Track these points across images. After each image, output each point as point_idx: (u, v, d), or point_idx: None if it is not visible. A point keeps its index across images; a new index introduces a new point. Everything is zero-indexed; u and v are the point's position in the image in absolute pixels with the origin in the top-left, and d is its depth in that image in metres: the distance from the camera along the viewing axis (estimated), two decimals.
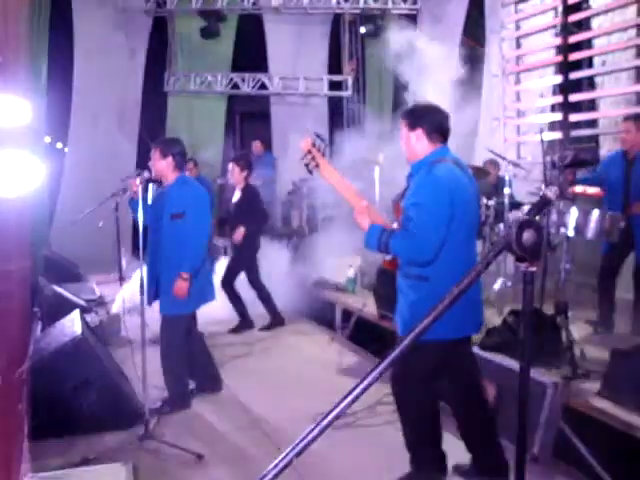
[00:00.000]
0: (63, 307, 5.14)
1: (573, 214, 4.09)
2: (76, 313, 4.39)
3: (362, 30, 10.43)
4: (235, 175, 5.92)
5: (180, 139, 4.22)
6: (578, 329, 4.26)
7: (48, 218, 9.03)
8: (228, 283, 5.81)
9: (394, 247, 2.77)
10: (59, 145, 9.96)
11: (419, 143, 2.91)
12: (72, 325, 4.09)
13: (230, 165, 6.02)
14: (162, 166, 3.95)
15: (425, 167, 2.87)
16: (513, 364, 3.52)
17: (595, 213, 4.10)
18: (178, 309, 3.98)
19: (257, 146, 9.86)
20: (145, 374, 3.62)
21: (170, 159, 3.95)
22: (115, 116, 9.93)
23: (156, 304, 4.05)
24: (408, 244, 2.74)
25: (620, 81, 6.39)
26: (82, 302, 5.79)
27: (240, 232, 5.81)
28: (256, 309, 6.06)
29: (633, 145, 4.59)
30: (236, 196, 5.98)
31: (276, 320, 6.07)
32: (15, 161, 2.72)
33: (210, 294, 4.17)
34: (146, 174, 3.76)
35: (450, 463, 3.09)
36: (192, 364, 4.23)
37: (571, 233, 4.10)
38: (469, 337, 3.07)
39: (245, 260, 5.98)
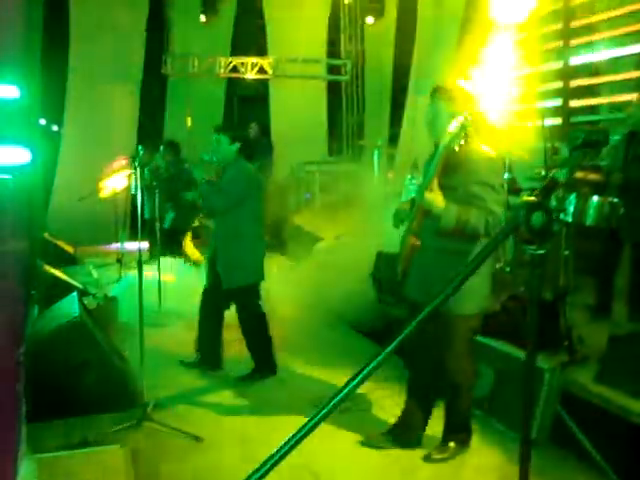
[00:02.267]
0: (61, 290, 5.12)
1: (572, 200, 4.07)
2: (74, 296, 4.37)
3: (367, 20, 10.34)
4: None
5: (242, 128, 4.51)
6: (576, 314, 4.27)
7: (44, 201, 8.98)
8: None
9: (475, 225, 2.84)
10: (55, 128, 9.87)
11: (448, 123, 2.91)
12: (70, 307, 4.08)
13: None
14: (226, 152, 4.28)
15: (466, 147, 2.91)
16: (512, 349, 3.53)
17: (594, 199, 4.08)
18: (244, 280, 4.22)
19: (253, 130, 9.79)
20: (143, 356, 3.62)
21: (234, 146, 4.28)
22: (113, 98, 9.83)
23: None
24: (488, 221, 2.84)
25: (621, 67, 6.35)
26: (80, 285, 5.78)
27: None
28: None
29: None
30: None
31: None
32: (10, 143, 2.69)
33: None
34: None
35: None
36: (204, 335, 4.47)
37: (570, 219, 4.08)
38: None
39: None
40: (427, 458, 3.20)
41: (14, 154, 2.88)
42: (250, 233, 4.27)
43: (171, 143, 7.74)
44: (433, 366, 3.16)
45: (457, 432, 3.23)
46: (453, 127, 2.84)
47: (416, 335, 3.23)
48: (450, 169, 2.91)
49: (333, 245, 6.87)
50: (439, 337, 3.02)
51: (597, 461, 3.01)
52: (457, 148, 2.87)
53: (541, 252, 1.06)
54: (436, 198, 2.85)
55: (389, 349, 0.97)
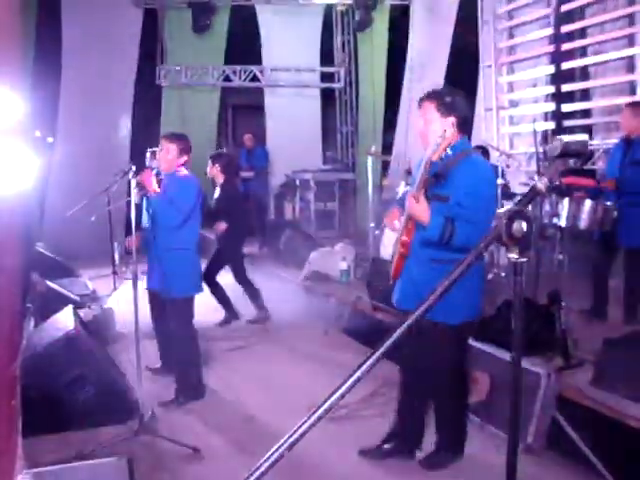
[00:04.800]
0: (56, 302, 5.11)
1: (566, 205, 4.10)
2: (69, 308, 4.37)
3: (360, 28, 10.38)
4: (213, 172, 5.94)
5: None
6: (571, 319, 4.28)
7: (39, 213, 8.96)
8: (210, 276, 5.78)
9: (460, 236, 2.75)
10: (50, 139, 9.86)
11: (447, 132, 2.80)
12: (65, 320, 4.07)
13: (209, 162, 6.02)
14: (172, 162, 4.16)
15: (461, 157, 2.87)
16: (507, 355, 3.53)
17: (587, 203, 4.12)
18: (183, 292, 4.11)
19: (249, 139, 9.84)
20: (140, 368, 3.62)
21: (182, 159, 4.20)
22: (106, 109, 9.84)
23: None
24: (471, 231, 2.73)
25: (613, 71, 6.39)
26: (75, 297, 5.76)
27: (222, 224, 5.81)
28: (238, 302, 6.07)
29: (631, 130, 4.56)
30: (216, 192, 5.99)
31: (262, 314, 6.04)
32: (7, 157, 2.70)
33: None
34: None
35: None
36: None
37: (564, 223, 4.11)
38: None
39: (228, 256, 5.98)
40: (422, 465, 3.20)
41: (12, 167, 2.88)
42: (191, 244, 4.17)
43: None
44: (421, 375, 3.16)
45: (449, 441, 3.21)
46: (438, 137, 2.76)
47: (406, 343, 3.09)
48: (440, 179, 2.83)
49: (328, 253, 6.89)
50: (423, 346, 2.97)
51: (594, 465, 3.01)
52: (440, 157, 2.85)
53: (523, 260, 1.07)
54: (421, 209, 2.76)
55: (375, 356, 0.98)
